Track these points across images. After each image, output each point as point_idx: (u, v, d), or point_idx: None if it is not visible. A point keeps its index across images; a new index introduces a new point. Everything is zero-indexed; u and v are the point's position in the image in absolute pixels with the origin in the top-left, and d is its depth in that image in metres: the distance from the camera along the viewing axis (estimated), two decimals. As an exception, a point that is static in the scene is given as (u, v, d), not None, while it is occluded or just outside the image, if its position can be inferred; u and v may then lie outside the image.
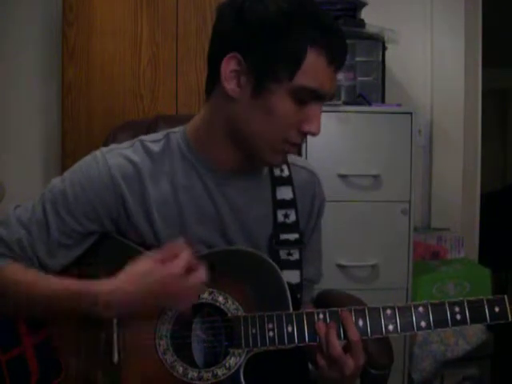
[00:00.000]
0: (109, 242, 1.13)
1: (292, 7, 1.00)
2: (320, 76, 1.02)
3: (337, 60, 1.03)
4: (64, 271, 1.11)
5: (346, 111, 2.29)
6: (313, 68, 1.01)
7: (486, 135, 3.01)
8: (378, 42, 2.42)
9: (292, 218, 1.21)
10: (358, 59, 2.40)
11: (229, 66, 1.03)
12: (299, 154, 2.22)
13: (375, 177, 2.28)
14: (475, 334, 2.40)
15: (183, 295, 1.03)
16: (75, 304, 1.02)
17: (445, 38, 2.82)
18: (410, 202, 2.29)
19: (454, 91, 2.82)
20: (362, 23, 2.41)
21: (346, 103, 2.33)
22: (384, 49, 2.43)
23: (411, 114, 2.29)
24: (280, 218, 1.20)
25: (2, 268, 1.07)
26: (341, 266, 2.27)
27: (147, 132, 1.52)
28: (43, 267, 1.09)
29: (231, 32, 1.04)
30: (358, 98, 2.38)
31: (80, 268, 1.12)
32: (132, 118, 2.28)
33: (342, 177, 2.26)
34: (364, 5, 2.45)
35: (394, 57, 2.57)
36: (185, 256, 1.01)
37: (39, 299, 1.04)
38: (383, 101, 2.43)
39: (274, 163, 1.14)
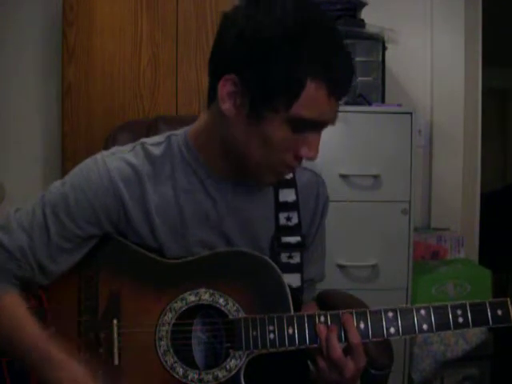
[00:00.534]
0: (109, 243, 1.13)
1: (296, 34, 0.95)
2: (319, 107, 0.98)
3: (338, 92, 1.00)
4: (64, 274, 1.11)
5: (345, 111, 2.28)
6: (312, 100, 0.97)
7: (486, 135, 3.00)
8: (378, 42, 2.42)
9: (294, 220, 1.20)
10: (358, 59, 2.40)
11: (225, 87, 1.01)
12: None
13: (375, 177, 2.28)
14: (475, 334, 2.40)
15: None
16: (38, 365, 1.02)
17: (445, 38, 2.82)
18: (409, 202, 2.29)
19: (454, 91, 2.82)
20: (362, 23, 2.41)
21: (346, 103, 2.33)
22: (384, 49, 2.43)
23: (411, 113, 2.29)
24: (282, 220, 1.20)
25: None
26: (341, 266, 2.27)
27: (147, 132, 1.52)
28: (44, 272, 1.08)
29: (231, 51, 1.00)
30: (358, 97, 2.38)
31: (80, 269, 1.11)
32: (132, 117, 2.28)
33: (342, 177, 2.26)
34: (364, 5, 2.45)
35: (394, 57, 2.57)
36: None
37: (18, 348, 1.04)
38: (383, 101, 2.43)
39: (268, 183, 1.13)
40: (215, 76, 1.03)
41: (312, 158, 1.04)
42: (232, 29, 1.00)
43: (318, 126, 1.02)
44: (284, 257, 1.18)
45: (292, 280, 1.17)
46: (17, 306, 1.06)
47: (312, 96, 0.97)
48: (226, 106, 1.02)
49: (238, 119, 1.02)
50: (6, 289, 1.06)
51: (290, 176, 1.22)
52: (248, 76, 0.98)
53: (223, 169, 1.13)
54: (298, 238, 1.20)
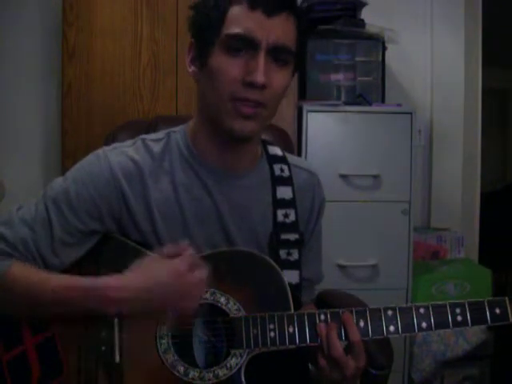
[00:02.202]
0: (110, 243, 1.13)
1: None
2: (242, 22, 1.03)
3: (260, 4, 1.02)
4: (65, 272, 1.10)
5: (345, 111, 2.29)
6: (234, 17, 1.04)
7: (486, 135, 3.00)
8: (378, 42, 2.42)
9: (292, 217, 1.21)
10: (357, 59, 2.41)
11: (189, 54, 1.13)
12: (299, 153, 2.22)
13: (375, 177, 2.28)
14: (475, 333, 2.40)
15: (189, 293, 1.03)
16: (82, 300, 1.02)
17: (445, 38, 2.82)
18: (409, 202, 2.30)
19: (454, 91, 2.83)
20: (361, 23, 2.41)
21: (345, 103, 2.33)
22: (384, 49, 2.43)
23: (411, 114, 2.30)
24: (280, 217, 1.20)
25: (7, 266, 1.05)
26: (341, 266, 2.28)
27: (147, 132, 1.52)
28: (47, 267, 1.08)
29: (189, 21, 1.11)
30: (358, 98, 2.38)
31: (81, 268, 1.11)
32: (132, 118, 2.27)
33: (342, 177, 2.26)
34: (364, 5, 2.45)
35: (393, 57, 2.57)
36: (188, 255, 1.02)
37: (47, 296, 1.03)
38: (383, 101, 2.44)
39: (236, 129, 1.07)
40: None
41: (256, 82, 1.02)
42: None
43: (249, 42, 1.03)
44: (283, 253, 1.19)
45: (291, 277, 1.17)
46: (28, 270, 1.06)
47: (234, 15, 1.04)
48: (191, 69, 1.12)
49: (200, 77, 1.11)
50: (10, 263, 1.05)
51: (286, 174, 1.23)
52: (193, 29, 1.10)
53: (217, 157, 1.14)
54: (297, 236, 1.20)
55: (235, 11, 1.03)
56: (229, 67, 1.04)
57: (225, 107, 1.06)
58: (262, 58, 1.03)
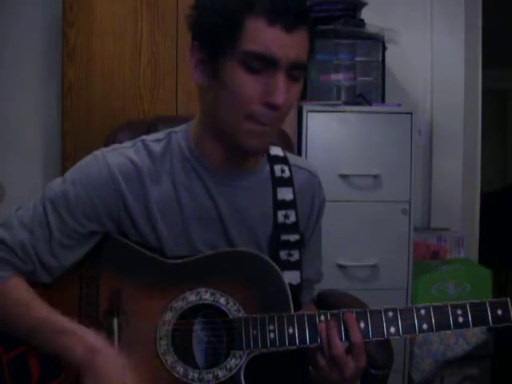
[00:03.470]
0: (110, 243, 1.13)
1: None
2: (262, 39, 0.98)
3: (280, 19, 0.98)
4: (66, 273, 1.11)
5: (345, 111, 2.29)
6: (252, 32, 0.98)
7: (486, 135, 3.00)
8: (378, 42, 2.42)
9: (292, 218, 1.21)
10: (358, 59, 2.41)
11: (193, 57, 1.06)
12: (299, 153, 2.22)
13: (375, 177, 2.28)
14: (475, 333, 2.40)
15: None
16: (53, 339, 1.04)
17: (445, 38, 2.82)
18: (410, 202, 2.30)
19: (454, 91, 2.82)
20: (361, 23, 2.41)
21: (346, 103, 2.33)
22: (384, 49, 2.43)
23: (411, 114, 2.30)
24: (280, 218, 1.20)
25: (3, 280, 1.07)
26: (341, 266, 2.27)
27: (147, 133, 1.51)
28: (46, 269, 1.09)
29: (190, 21, 1.06)
30: (358, 97, 2.38)
31: (81, 269, 1.12)
32: (132, 118, 2.28)
33: (342, 177, 2.26)
34: (364, 5, 2.45)
35: (393, 57, 2.57)
36: None
37: (25, 323, 1.05)
38: (383, 101, 2.44)
39: (251, 147, 1.08)
40: None
41: (276, 104, 1.01)
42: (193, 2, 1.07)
43: (270, 62, 1.00)
44: (283, 254, 1.19)
45: (292, 277, 1.17)
46: (22, 289, 1.08)
47: (252, 29, 0.99)
48: (196, 75, 1.07)
49: (209, 85, 1.06)
50: (9, 275, 1.07)
51: (287, 175, 1.22)
52: (201, 34, 1.04)
53: (219, 159, 1.14)
54: (297, 237, 1.20)
55: (253, 25, 0.98)
56: (247, 86, 1.01)
57: (239, 126, 1.04)
58: (281, 78, 1.01)
